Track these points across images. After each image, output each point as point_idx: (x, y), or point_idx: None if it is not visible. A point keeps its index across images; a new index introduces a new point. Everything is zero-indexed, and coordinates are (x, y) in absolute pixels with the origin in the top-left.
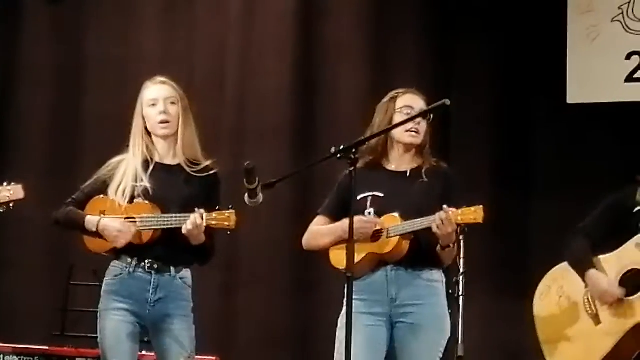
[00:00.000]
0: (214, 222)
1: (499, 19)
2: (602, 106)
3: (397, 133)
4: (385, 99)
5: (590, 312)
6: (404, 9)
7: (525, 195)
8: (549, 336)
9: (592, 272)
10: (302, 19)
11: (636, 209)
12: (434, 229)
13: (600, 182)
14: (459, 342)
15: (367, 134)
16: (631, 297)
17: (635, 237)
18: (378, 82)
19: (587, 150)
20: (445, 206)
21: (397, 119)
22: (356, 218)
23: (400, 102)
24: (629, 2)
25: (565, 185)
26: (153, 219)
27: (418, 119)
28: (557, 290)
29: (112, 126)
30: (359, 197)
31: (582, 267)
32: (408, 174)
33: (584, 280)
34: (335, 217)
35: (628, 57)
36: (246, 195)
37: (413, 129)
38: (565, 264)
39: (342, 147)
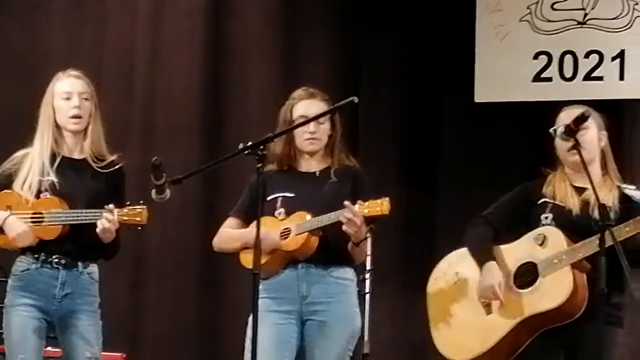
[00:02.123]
0: (125, 218)
1: (407, 16)
2: (510, 105)
3: (298, 141)
4: (286, 104)
5: (483, 301)
6: (312, 8)
7: (432, 193)
8: (440, 321)
9: (491, 265)
10: (211, 17)
11: (540, 201)
12: (345, 228)
13: (507, 181)
14: (365, 339)
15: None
16: (523, 291)
17: (535, 230)
18: (287, 80)
19: (494, 148)
20: (346, 202)
21: (298, 131)
22: (261, 230)
23: (295, 112)
24: (537, 3)
25: (472, 183)
26: (62, 215)
27: (311, 130)
28: (453, 275)
29: (16, 120)
30: (269, 198)
31: (481, 256)
32: (317, 174)
33: (480, 269)
34: (246, 219)
35: (536, 56)
36: (153, 191)
37: (311, 138)
38: (463, 250)
39: (249, 143)
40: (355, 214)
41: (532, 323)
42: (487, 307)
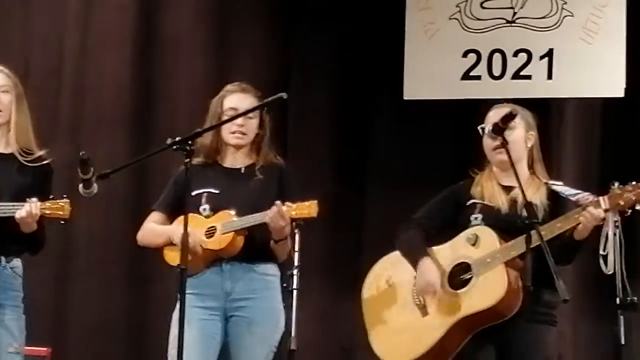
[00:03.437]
0: (47, 212)
1: (338, 13)
2: (439, 103)
3: (224, 134)
4: (217, 97)
5: (418, 302)
6: (244, 2)
7: (361, 190)
8: (376, 325)
9: (426, 260)
10: (142, 11)
11: (469, 202)
12: (268, 222)
13: (437, 178)
14: (292, 335)
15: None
16: (459, 291)
17: (467, 231)
18: (217, 75)
19: (423, 146)
20: (278, 202)
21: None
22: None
23: (226, 103)
24: (467, 1)
25: (401, 181)
26: None
27: (240, 123)
28: (387, 279)
29: None
30: (194, 193)
31: (415, 254)
32: (243, 170)
33: (414, 268)
34: (170, 213)
35: (465, 54)
36: (81, 185)
37: (237, 131)
38: (396, 253)
39: (177, 138)
40: (283, 215)
41: (468, 323)
42: (423, 309)
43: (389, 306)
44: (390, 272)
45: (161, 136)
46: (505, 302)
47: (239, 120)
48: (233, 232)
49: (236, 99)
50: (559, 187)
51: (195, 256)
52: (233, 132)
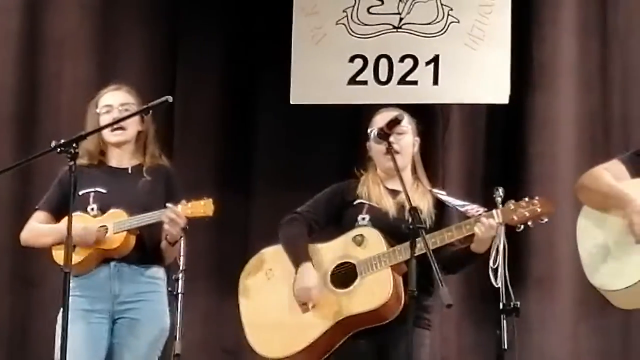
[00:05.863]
0: None
1: (226, 16)
2: (325, 107)
3: (105, 134)
4: (92, 101)
5: (299, 299)
6: (130, 3)
7: (247, 194)
8: (254, 318)
9: (307, 266)
10: (27, 11)
11: (356, 202)
12: (167, 228)
13: (322, 182)
14: (177, 339)
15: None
16: (341, 291)
17: (353, 230)
18: (103, 77)
19: (309, 150)
20: (170, 204)
21: (103, 120)
22: (79, 225)
23: (100, 103)
24: (354, 6)
25: (287, 184)
26: None
27: (115, 116)
28: (266, 272)
29: None
30: (80, 193)
31: (297, 256)
32: (130, 170)
33: (295, 270)
34: (55, 213)
35: (351, 59)
36: None
37: (115, 128)
38: (277, 246)
39: (62, 141)
40: (178, 214)
41: (349, 323)
42: (304, 306)
43: (267, 300)
44: (270, 264)
45: (45, 136)
46: (389, 306)
47: (115, 114)
48: (126, 232)
49: (109, 96)
50: (445, 196)
51: (85, 255)
52: (112, 130)
